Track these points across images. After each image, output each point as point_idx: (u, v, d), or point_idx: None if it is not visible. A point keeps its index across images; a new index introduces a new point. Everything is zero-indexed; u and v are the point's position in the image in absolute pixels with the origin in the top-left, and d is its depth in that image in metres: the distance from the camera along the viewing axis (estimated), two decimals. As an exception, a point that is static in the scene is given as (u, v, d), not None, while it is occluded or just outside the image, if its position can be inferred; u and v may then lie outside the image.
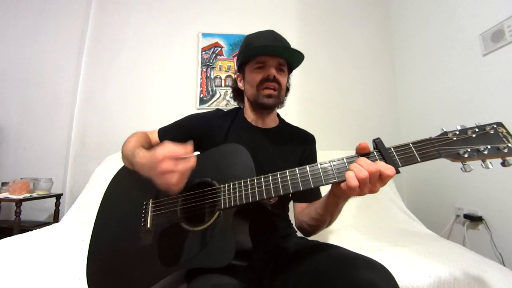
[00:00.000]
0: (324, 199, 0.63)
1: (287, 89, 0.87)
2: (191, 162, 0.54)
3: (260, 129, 0.85)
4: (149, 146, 0.81)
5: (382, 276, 0.49)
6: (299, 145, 0.86)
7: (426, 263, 0.80)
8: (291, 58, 0.81)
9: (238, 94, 0.91)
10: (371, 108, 2.07)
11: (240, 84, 0.87)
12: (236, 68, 0.88)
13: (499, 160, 0.46)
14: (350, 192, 0.49)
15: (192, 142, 0.58)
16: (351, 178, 0.48)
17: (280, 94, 0.81)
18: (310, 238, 0.79)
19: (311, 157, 0.87)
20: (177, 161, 0.53)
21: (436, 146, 0.48)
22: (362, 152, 0.51)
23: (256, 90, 0.78)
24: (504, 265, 0.99)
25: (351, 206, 1.43)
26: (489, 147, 0.46)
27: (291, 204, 0.86)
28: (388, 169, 0.47)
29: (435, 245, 0.98)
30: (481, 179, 1.33)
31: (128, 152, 0.70)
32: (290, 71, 0.86)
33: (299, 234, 0.83)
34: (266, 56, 0.77)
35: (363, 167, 0.48)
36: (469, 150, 0.46)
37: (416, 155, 0.48)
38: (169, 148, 0.55)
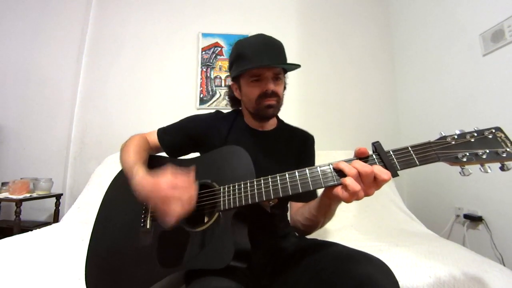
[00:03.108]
0: (318, 200, 0.63)
1: (284, 88, 0.84)
2: (193, 190, 0.54)
3: (260, 132, 0.84)
4: (149, 151, 0.79)
5: (380, 271, 0.49)
6: (298, 146, 0.85)
7: (426, 263, 0.80)
8: (286, 67, 0.79)
9: (235, 102, 0.89)
10: (371, 108, 2.07)
11: (236, 94, 0.84)
12: (230, 76, 0.85)
13: (498, 165, 0.46)
14: (351, 197, 0.49)
15: (194, 168, 0.57)
16: (350, 180, 0.48)
17: (279, 103, 0.79)
18: (309, 237, 0.79)
19: (309, 158, 0.87)
20: (180, 189, 0.53)
21: (435, 149, 0.48)
22: (360, 157, 0.51)
23: (255, 104, 0.76)
24: (504, 265, 0.99)
25: (351, 206, 1.43)
26: (487, 151, 0.46)
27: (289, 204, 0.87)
28: (383, 173, 0.48)
29: (435, 245, 0.98)
30: (481, 180, 1.33)
31: (126, 165, 0.68)
32: (285, 72, 0.83)
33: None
34: (261, 69, 0.73)
35: (357, 168, 0.48)
36: (467, 154, 0.47)
37: (415, 159, 0.48)
38: (171, 179, 0.54)
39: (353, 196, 0.49)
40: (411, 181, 1.91)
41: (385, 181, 0.48)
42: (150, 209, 0.57)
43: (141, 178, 0.59)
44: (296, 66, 0.75)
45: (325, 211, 0.63)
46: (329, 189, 0.53)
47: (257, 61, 0.72)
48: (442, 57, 1.62)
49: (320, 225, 0.70)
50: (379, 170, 0.48)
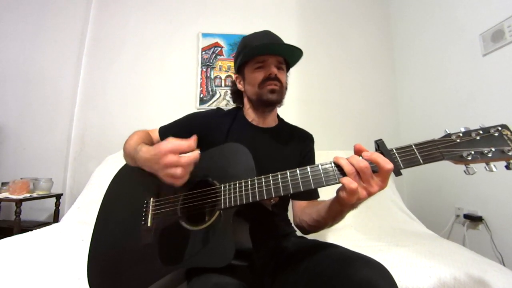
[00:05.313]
0: (329, 204, 0.62)
1: (285, 87, 0.87)
2: (195, 155, 0.55)
3: (261, 128, 0.85)
4: (151, 143, 0.80)
5: (380, 275, 0.49)
6: (298, 144, 0.86)
7: (426, 263, 0.80)
8: (290, 56, 0.82)
9: (238, 96, 0.91)
10: (371, 108, 2.07)
11: (239, 86, 0.87)
12: (235, 70, 0.89)
13: (503, 163, 0.45)
14: (349, 197, 0.48)
15: (196, 137, 0.58)
16: (346, 179, 0.48)
17: (282, 91, 0.81)
18: (309, 237, 0.79)
19: (309, 156, 0.88)
20: (181, 155, 0.54)
21: (439, 148, 0.47)
22: (358, 154, 0.50)
23: (258, 89, 0.79)
24: (504, 265, 0.99)
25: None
26: (493, 149, 0.45)
27: (290, 203, 0.87)
28: (386, 162, 0.46)
29: (435, 245, 0.98)
30: (481, 179, 1.33)
31: (130, 148, 0.70)
32: (287, 68, 0.86)
33: (298, 233, 0.83)
34: (265, 56, 0.78)
35: (353, 163, 0.48)
36: (472, 152, 0.46)
37: (419, 157, 0.47)
38: (173, 142, 0.55)
39: (352, 195, 0.48)
40: (411, 181, 1.91)
41: (389, 171, 0.46)
42: (157, 176, 0.59)
43: (144, 151, 0.62)
44: (298, 52, 0.78)
45: (335, 216, 0.62)
46: (340, 195, 0.52)
47: (261, 47, 0.77)
48: (442, 57, 1.62)
49: (327, 226, 0.69)
50: (383, 160, 0.46)
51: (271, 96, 0.78)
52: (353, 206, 0.54)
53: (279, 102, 0.83)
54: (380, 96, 2.10)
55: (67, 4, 2.07)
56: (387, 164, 0.46)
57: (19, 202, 1.53)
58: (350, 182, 0.47)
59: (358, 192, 0.47)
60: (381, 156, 0.47)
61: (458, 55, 1.51)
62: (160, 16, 2.09)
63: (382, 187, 0.48)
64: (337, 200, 0.56)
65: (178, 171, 0.54)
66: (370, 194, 0.48)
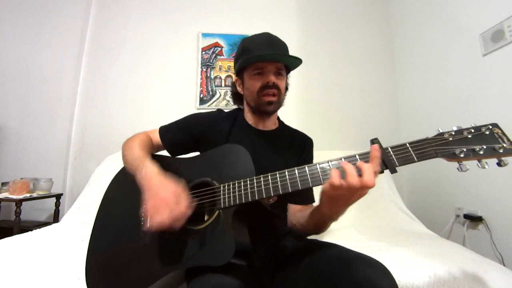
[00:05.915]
0: (311, 211, 0.65)
1: (286, 89, 0.87)
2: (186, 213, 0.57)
3: (261, 131, 0.84)
4: (152, 149, 0.81)
5: (380, 274, 0.49)
6: (298, 148, 0.86)
7: (426, 263, 0.80)
8: (289, 63, 0.81)
9: (237, 97, 0.90)
10: (371, 108, 2.07)
11: (239, 89, 0.86)
12: (234, 72, 0.88)
13: (495, 160, 0.47)
14: (334, 190, 0.50)
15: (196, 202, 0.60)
16: (335, 178, 0.49)
17: (280, 99, 0.81)
18: (309, 237, 0.79)
19: (308, 160, 0.88)
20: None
21: (433, 146, 0.49)
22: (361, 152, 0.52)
23: (256, 97, 0.78)
24: (504, 265, 0.99)
25: (351, 206, 1.43)
26: (484, 147, 0.47)
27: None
28: (370, 179, 0.47)
29: (435, 245, 0.98)
30: (481, 179, 1.33)
31: (132, 158, 0.70)
32: (288, 71, 0.85)
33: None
34: (264, 62, 0.76)
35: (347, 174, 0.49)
36: (465, 150, 0.47)
37: (413, 155, 0.49)
38: (178, 191, 0.58)
39: (335, 187, 0.49)
40: (411, 181, 1.91)
41: (367, 185, 0.47)
42: (143, 204, 0.59)
43: (151, 172, 0.62)
44: (298, 61, 0.77)
45: (316, 221, 0.65)
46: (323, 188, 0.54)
47: (260, 57, 0.75)
48: (442, 57, 1.62)
49: (314, 233, 0.71)
50: (369, 174, 0.47)
51: (268, 107, 0.78)
52: (331, 218, 0.58)
53: (276, 111, 0.84)
54: (380, 96, 2.10)
55: (67, 4, 2.08)
56: (369, 181, 0.47)
57: (19, 202, 1.53)
58: (335, 177, 0.49)
59: (342, 185, 0.48)
60: (370, 169, 0.47)
61: (458, 55, 1.51)
62: (160, 16, 2.09)
63: (365, 183, 0.48)
64: (319, 199, 0.58)
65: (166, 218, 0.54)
66: (350, 184, 0.48)
